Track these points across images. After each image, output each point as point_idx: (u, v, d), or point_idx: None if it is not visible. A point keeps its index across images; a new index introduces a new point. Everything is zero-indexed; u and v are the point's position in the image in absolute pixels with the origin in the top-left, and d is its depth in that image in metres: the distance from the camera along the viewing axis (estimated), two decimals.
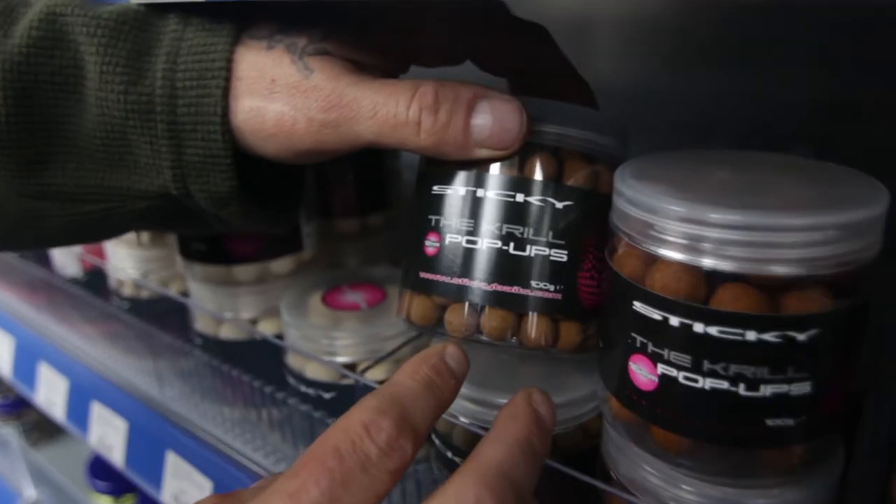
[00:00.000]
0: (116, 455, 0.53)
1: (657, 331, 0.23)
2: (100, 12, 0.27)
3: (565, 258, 0.27)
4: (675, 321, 0.22)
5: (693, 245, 0.22)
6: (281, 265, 0.42)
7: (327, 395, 0.36)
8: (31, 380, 0.64)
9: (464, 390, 0.30)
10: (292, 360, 0.37)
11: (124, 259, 0.51)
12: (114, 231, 0.34)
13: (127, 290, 0.52)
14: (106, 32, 0.27)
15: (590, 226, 0.27)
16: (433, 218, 0.27)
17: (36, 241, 0.33)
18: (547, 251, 0.26)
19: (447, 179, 0.27)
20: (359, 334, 0.35)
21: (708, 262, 0.22)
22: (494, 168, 0.26)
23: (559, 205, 0.26)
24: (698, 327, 0.22)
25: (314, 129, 0.27)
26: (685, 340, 0.22)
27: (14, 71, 0.27)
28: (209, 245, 0.42)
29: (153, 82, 0.27)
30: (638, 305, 0.24)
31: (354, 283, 0.40)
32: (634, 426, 0.26)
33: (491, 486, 0.20)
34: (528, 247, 0.26)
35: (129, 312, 0.51)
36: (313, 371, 0.36)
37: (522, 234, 0.26)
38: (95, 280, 0.56)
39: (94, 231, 0.33)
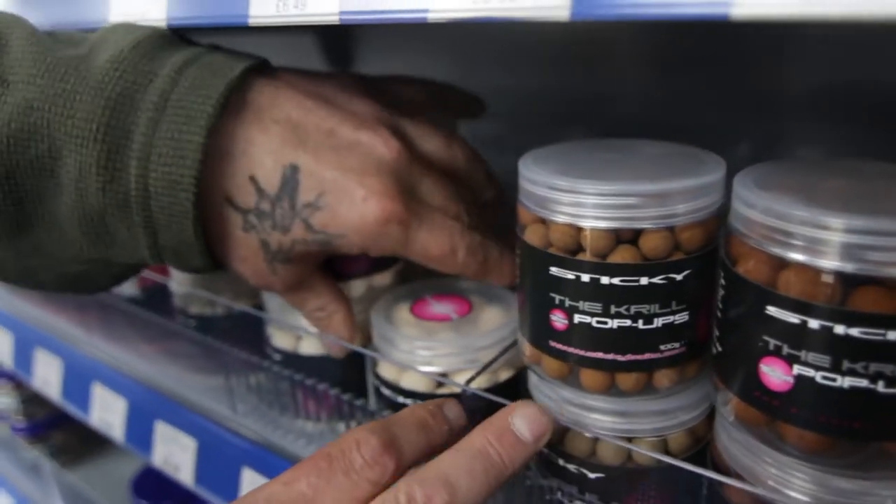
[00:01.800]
0: (185, 474, 0.53)
1: (794, 334, 0.24)
2: (74, 110, 0.28)
3: (688, 317, 0.29)
4: (814, 324, 0.24)
5: (828, 250, 0.23)
6: (383, 278, 0.43)
7: None
8: (84, 401, 0.64)
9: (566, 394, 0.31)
10: (386, 371, 0.38)
11: (190, 276, 0.51)
12: (104, 287, 0.36)
13: (194, 308, 0.53)
14: (80, 133, 0.28)
15: (705, 278, 0.29)
16: (556, 297, 0.29)
17: (36, 289, 0.35)
18: (673, 318, 0.28)
19: (566, 265, 0.28)
20: (454, 344, 0.36)
21: (845, 266, 0.23)
22: (615, 256, 0.27)
23: (679, 277, 0.28)
24: (839, 329, 0.23)
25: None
26: (825, 342, 0.24)
27: None
28: None
29: (128, 184, 0.28)
30: (772, 310, 0.25)
31: (438, 294, 0.41)
32: (760, 425, 0.27)
33: (423, 485, 0.23)
34: (656, 319, 0.28)
35: (196, 330, 0.51)
36: (409, 381, 0.37)
37: (650, 310, 0.28)
38: (154, 298, 0.56)
39: (85, 286, 0.35)
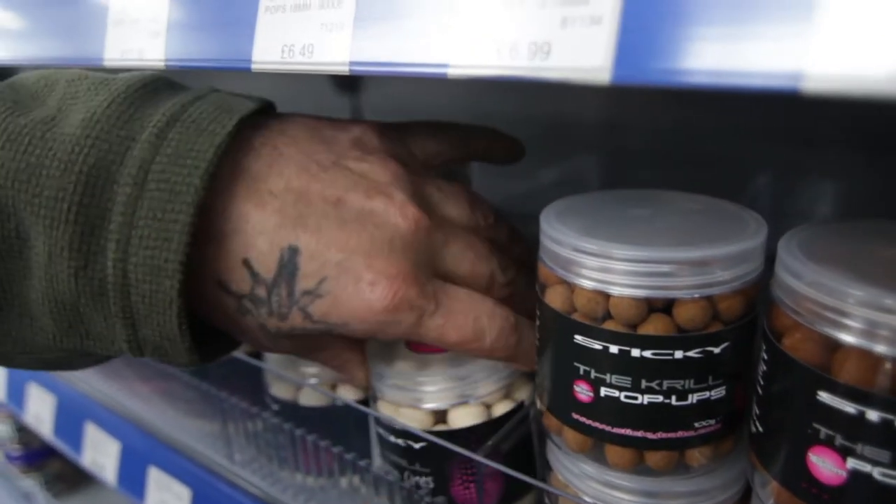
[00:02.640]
0: None
1: (850, 424, 0.22)
2: (40, 187, 0.24)
3: (724, 392, 0.26)
4: (874, 416, 0.21)
5: (890, 335, 0.21)
6: None
7: (417, 446, 0.35)
8: (77, 441, 0.61)
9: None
10: (384, 408, 0.36)
11: None
12: (88, 366, 0.32)
13: None
14: (48, 213, 0.24)
15: (745, 349, 0.26)
16: (581, 367, 0.26)
17: (23, 367, 0.32)
18: (709, 394, 0.26)
19: (592, 334, 0.26)
20: (447, 377, 0.34)
21: None
22: (646, 327, 0.25)
23: (717, 350, 0.25)
24: None
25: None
26: (885, 436, 0.21)
27: None
28: None
29: (104, 269, 0.25)
30: (824, 396, 0.22)
31: None
32: None
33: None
34: (691, 396, 0.25)
35: (191, 374, 0.49)
36: (407, 418, 0.34)
37: (684, 386, 0.25)
38: None
39: (67, 368, 0.32)
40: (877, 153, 0.42)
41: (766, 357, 0.25)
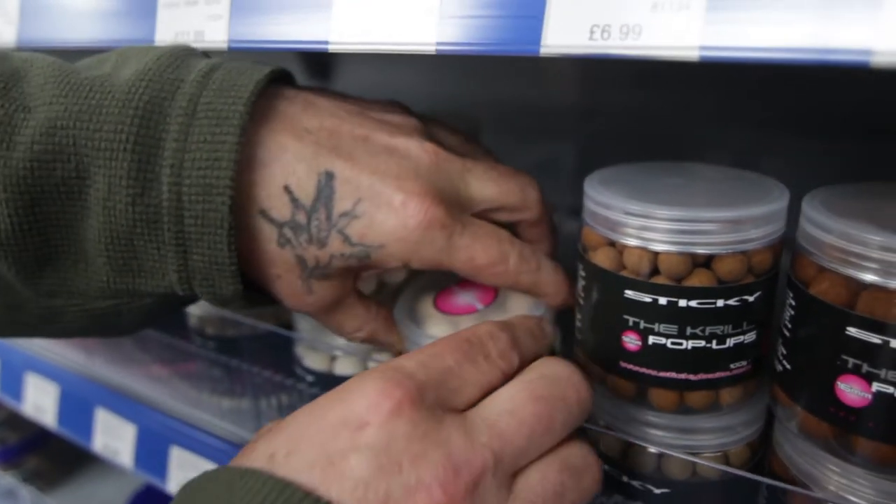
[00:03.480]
0: None
1: (875, 353, 0.25)
2: (101, 123, 0.27)
3: (755, 337, 0.30)
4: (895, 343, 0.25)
5: None
6: (396, 274, 0.40)
7: None
8: (86, 427, 0.61)
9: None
10: None
11: None
12: (131, 328, 0.34)
13: (211, 330, 0.52)
14: (108, 146, 0.27)
15: (771, 299, 0.30)
16: (630, 319, 0.29)
17: (59, 334, 0.34)
18: (743, 338, 0.29)
19: (642, 288, 0.29)
20: None
21: None
22: (692, 279, 0.28)
23: (752, 298, 0.29)
24: None
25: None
26: None
27: (19, 184, 0.27)
28: None
29: (159, 195, 0.27)
30: (853, 331, 0.26)
31: (463, 281, 0.38)
32: (828, 437, 0.28)
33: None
34: (728, 340, 0.29)
35: (216, 351, 0.50)
36: None
37: (723, 331, 0.29)
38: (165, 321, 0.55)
39: (111, 327, 0.33)
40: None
41: (793, 303, 0.29)
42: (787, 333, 0.29)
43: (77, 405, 0.62)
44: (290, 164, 0.28)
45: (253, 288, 0.32)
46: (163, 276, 0.29)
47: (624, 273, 0.29)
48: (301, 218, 0.29)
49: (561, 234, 0.37)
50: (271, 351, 0.48)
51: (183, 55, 0.29)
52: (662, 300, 0.28)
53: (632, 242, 0.29)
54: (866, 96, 0.43)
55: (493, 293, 0.37)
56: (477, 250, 0.30)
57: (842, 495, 0.29)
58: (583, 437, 0.26)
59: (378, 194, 0.29)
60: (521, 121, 0.63)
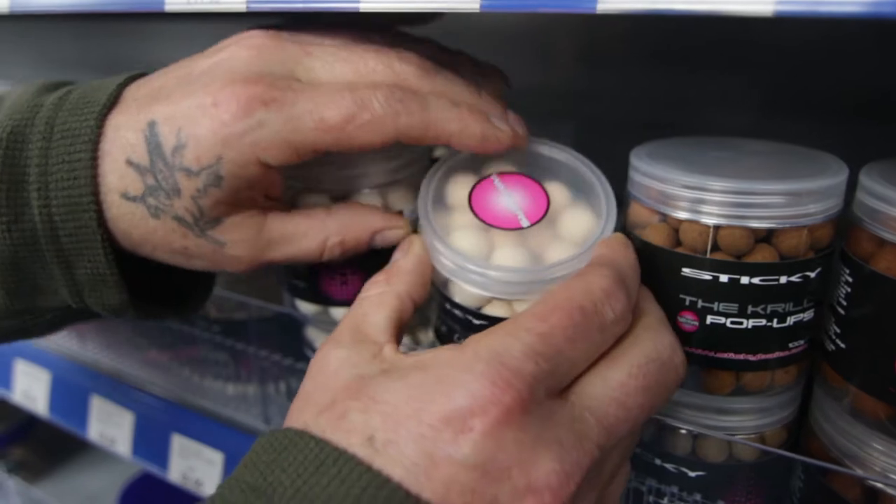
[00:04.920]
0: (210, 488, 0.50)
1: None
2: None
3: (812, 314, 0.29)
4: None
5: None
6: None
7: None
8: (80, 415, 0.59)
9: None
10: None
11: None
12: (47, 333, 0.34)
13: (213, 313, 0.50)
14: None
15: (827, 277, 0.29)
16: (687, 298, 0.28)
17: None
18: (802, 316, 0.28)
19: (700, 265, 0.28)
20: (518, 276, 0.27)
21: None
22: (753, 255, 0.27)
23: (813, 274, 0.28)
24: None
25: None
26: None
27: None
28: (307, 283, 0.37)
29: (32, 219, 0.28)
30: None
31: (508, 172, 0.31)
32: (883, 419, 0.27)
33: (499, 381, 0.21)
34: (789, 318, 0.28)
35: (222, 335, 0.48)
36: (461, 297, 0.30)
37: (784, 309, 0.28)
38: None
39: (25, 337, 0.33)
40: None
41: (849, 280, 0.28)
42: (842, 311, 0.28)
43: (70, 392, 0.60)
44: (123, 137, 0.27)
45: (195, 284, 0.33)
46: (56, 293, 0.30)
47: (680, 250, 0.28)
48: (150, 180, 0.27)
49: None
50: (278, 333, 0.46)
51: (53, 84, 0.30)
52: (723, 277, 0.27)
53: (688, 217, 0.28)
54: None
55: (544, 201, 0.30)
56: (324, 107, 0.26)
57: (889, 476, 0.28)
58: None
59: (192, 111, 0.26)
60: (520, 101, 0.62)
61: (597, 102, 0.57)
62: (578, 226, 0.29)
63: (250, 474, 0.21)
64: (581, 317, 0.22)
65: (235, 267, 0.30)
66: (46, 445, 0.97)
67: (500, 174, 0.31)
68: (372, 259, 0.31)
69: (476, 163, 0.31)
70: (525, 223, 0.29)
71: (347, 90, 0.26)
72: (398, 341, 0.26)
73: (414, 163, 0.34)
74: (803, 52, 0.46)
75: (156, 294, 0.32)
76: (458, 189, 0.30)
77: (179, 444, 0.52)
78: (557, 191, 0.30)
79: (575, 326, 0.22)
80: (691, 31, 0.48)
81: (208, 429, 0.51)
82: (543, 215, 0.29)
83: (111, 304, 0.29)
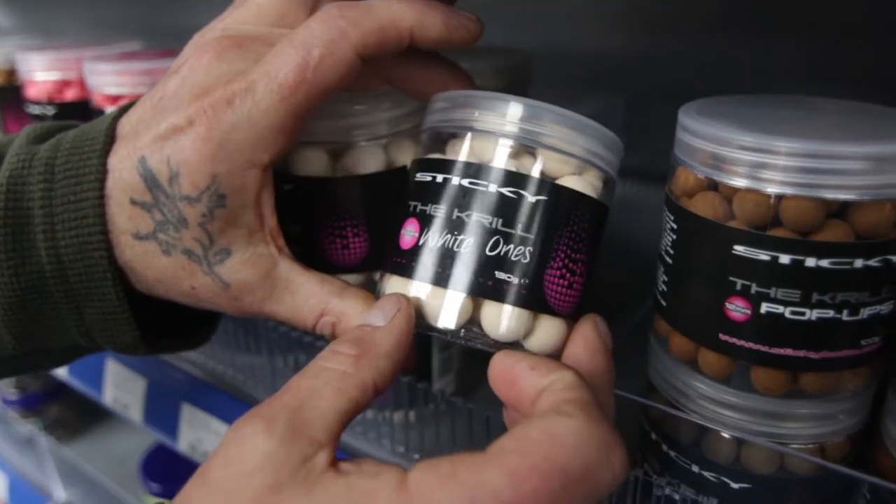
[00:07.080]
0: None
1: None
2: None
3: (892, 307, 0.24)
4: None
5: None
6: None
7: None
8: (96, 379, 0.58)
9: None
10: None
11: None
12: (55, 367, 0.35)
13: None
14: None
15: None
16: (738, 282, 0.24)
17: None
18: (879, 308, 0.24)
19: (757, 243, 0.23)
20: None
21: None
22: (823, 232, 0.22)
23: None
24: None
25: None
26: None
27: None
28: (304, 249, 0.33)
29: (40, 261, 0.27)
30: None
31: None
32: None
33: None
34: (863, 310, 0.24)
35: None
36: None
37: (858, 299, 0.23)
38: None
39: (36, 370, 0.34)
40: None
41: None
42: None
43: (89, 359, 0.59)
44: (122, 178, 0.27)
45: (201, 323, 0.33)
46: (65, 333, 0.29)
47: (732, 224, 0.23)
48: (158, 215, 0.27)
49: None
50: None
51: (46, 131, 0.30)
52: (784, 258, 0.22)
53: (744, 184, 0.23)
54: None
55: None
56: (276, 72, 0.25)
57: None
58: None
59: (173, 137, 0.26)
60: (569, 71, 0.58)
61: (649, 70, 0.53)
62: None
63: None
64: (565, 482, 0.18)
65: (234, 312, 0.29)
66: (80, 405, 0.99)
67: None
68: (375, 214, 0.30)
69: None
70: None
71: (288, 44, 0.25)
72: (338, 440, 0.22)
73: (416, 113, 0.31)
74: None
75: (165, 329, 0.32)
76: None
77: (189, 414, 0.50)
78: None
79: (551, 495, 0.18)
80: None
81: (217, 400, 0.49)
82: None
83: (122, 342, 0.29)
